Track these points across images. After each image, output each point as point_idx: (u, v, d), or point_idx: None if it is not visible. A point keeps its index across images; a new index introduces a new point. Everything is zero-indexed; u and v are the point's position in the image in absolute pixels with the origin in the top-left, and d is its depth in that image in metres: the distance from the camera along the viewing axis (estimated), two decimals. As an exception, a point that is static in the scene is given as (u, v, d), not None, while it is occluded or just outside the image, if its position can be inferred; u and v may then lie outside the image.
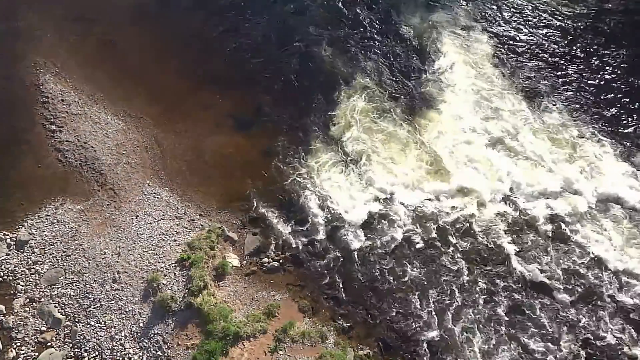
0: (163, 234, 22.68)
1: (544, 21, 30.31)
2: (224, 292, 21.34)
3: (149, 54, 29.16)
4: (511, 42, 29.61)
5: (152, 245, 22.30)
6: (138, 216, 23.12)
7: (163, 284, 21.12)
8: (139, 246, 22.23)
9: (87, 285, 21.11)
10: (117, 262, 21.70)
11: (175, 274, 21.53)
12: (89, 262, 21.67)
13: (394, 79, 28.40)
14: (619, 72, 27.76)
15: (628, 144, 25.00)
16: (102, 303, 20.72)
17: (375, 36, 30.50)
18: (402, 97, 27.52)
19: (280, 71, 28.73)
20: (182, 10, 31.34)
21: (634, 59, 28.19)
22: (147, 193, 23.94)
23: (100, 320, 20.35)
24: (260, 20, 31.14)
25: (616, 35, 29.32)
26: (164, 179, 24.62)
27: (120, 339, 19.90)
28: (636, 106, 26.22)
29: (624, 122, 25.73)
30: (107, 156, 24.82)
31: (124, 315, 20.49)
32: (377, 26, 30.99)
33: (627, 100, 26.50)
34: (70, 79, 27.74)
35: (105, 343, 19.81)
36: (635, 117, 25.81)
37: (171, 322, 20.32)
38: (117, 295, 20.92)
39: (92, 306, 20.66)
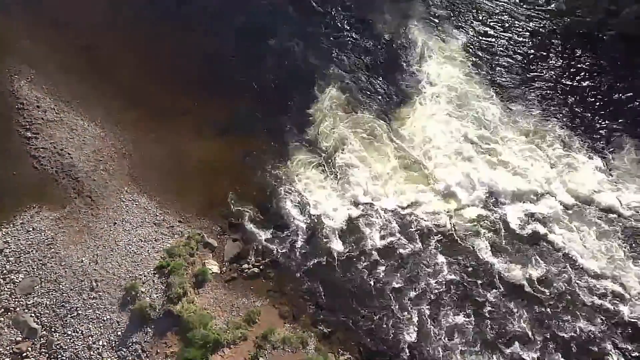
0: (142, 241, 22.47)
1: (517, 24, 30.76)
2: (204, 299, 21.20)
3: (127, 59, 28.90)
4: (485, 45, 29.98)
5: (130, 252, 22.07)
6: (116, 223, 22.87)
7: (142, 291, 20.91)
8: (117, 254, 21.98)
9: (64, 294, 20.78)
10: (95, 270, 21.42)
11: (154, 281, 21.33)
12: (65, 271, 21.34)
13: (369, 77, 28.65)
14: (590, 75, 28.35)
15: (600, 146, 25.51)
16: (79, 312, 20.42)
17: (350, 33, 30.72)
18: (379, 98, 27.78)
19: (256, 73, 28.73)
20: (158, 16, 31.11)
21: (604, 63, 28.82)
22: (125, 200, 23.70)
23: (77, 330, 20.06)
24: (234, 22, 31.02)
25: (587, 38, 29.97)
26: (143, 185, 24.39)
27: (98, 348, 19.63)
28: (608, 109, 26.79)
29: (596, 125, 26.27)
30: (84, 163, 24.50)
31: (101, 324, 20.22)
32: (351, 22, 31.20)
33: (599, 103, 27.07)
34: (46, 85, 27.36)
35: (82, 352, 19.52)
36: (606, 120, 26.37)
37: (150, 331, 20.13)
38: (95, 304, 20.64)
39: (69, 315, 20.35)
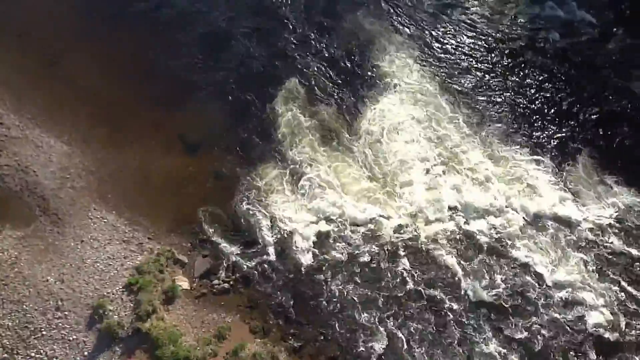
0: (110, 258, 22.19)
1: (483, 42, 32.00)
2: (174, 316, 21.06)
3: (95, 73, 28.60)
4: (448, 63, 30.94)
5: (98, 270, 21.75)
6: (83, 241, 22.54)
7: (110, 309, 20.61)
8: (84, 272, 21.63)
9: (27, 315, 20.28)
10: (61, 289, 21.01)
11: (122, 299, 21.08)
12: (29, 291, 20.85)
13: (336, 88, 29.14)
14: (554, 94, 29.63)
15: (557, 162, 26.57)
16: (44, 332, 19.96)
17: (315, 41, 31.36)
18: (346, 109, 28.28)
19: (225, 87, 28.81)
20: (126, 28, 30.89)
21: (568, 82, 30.18)
22: (92, 217, 23.40)
23: (41, 351, 19.61)
24: (202, 33, 31.18)
25: (552, 57, 31.35)
26: (111, 202, 24.15)
27: (63, 369, 19.23)
28: (565, 127, 28.00)
29: (554, 141, 27.41)
30: (50, 180, 24.12)
31: (67, 345, 19.82)
32: (316, 30, 31.85)
33: (556, 121, 28.26)
34: (10, 100, 26.86)
35: (46, 374, 19.08)
36: (563, 137, 27.58)
37: (118, 349, 19.86)
38: (60, 324, 20.22)
39: (33, 336, 19.85)
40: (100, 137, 26.31)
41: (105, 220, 23.38)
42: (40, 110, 26.86)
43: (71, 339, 19.92)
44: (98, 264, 21.92)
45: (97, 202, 23.99)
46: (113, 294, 21.17)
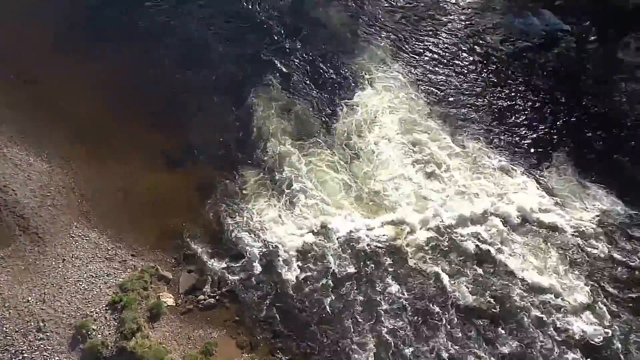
0: (93, 276, 21.83)
1: (464, 51, 32.55)
2: (159, 333, 20.74)
3: (73, 91, 28.48)
4: (429, 69, 31.44)
5: (80, 289, 21.37)
6: (65, 260, 22.16)
7: (93, 329, 20.22)
8: (66, 291, 21.23)
9: (8, 337, 19.79)
10: (42, 309, 20.58)
11: (106, 317, 20.71)
12: (9, 312, 20.37)
13: (319, 103, 29.37)
14: (533, 100, 30.11)
15: (540, 169, 26.92)
16: (25, 355, 19.49)
17: (290, 43, 32.00)
18: (327, 120, 28.53)
19: (205, 98, 29.01)
20: (111, 47, 30.95)
21: (546, 88, 30.73)
22: (74, 235, 23.05)
23: (23, 374, 19.15)
24: (179, 45, 31.51)
25: (530, 64, 31.99)
26: (93, 220, 23.85)
27: (46, 392, 18.79)
28: (547, 134, 28.44)
29: (536, 149, 27.78)
30: (30, 199, 23.74)
31: (49, 367, 19.39)
32: (290, 33, 32.46)
33: (539, 128, 28.70)
34: (-13, 120, 26.57)
35: (29, 398, 18.62)
36: (546, 144, 27.98)
37: (102, 370, 19.47)
38: (42, 345, 19.76)
39: (14, 359, 19.34)
40: (80, 154, 26.11)
41: (87, 238, 23.04)
42: (18, 128, 26.56)
43: (54, 360, 19.50)
44: (80, 283, 21.54)
45: (79, 219, 23.67)
46: (96, 313, 20.79)
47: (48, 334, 20.06)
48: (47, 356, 19.54)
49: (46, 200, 23.91)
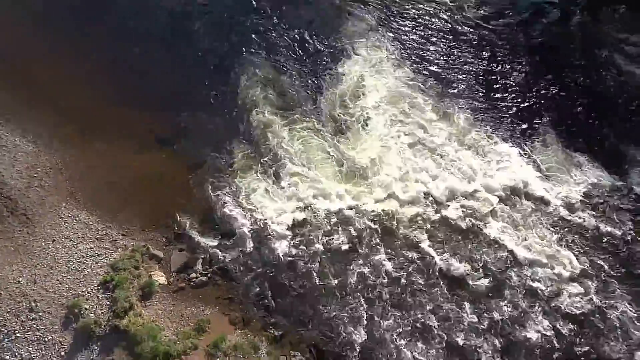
0: (83, 257, 21.80)
1: (444, 29, 32.22)
2: (152, 312, 20.83)
3: (60, 70, 28.07)
4: (417, 45, 31.23)
5: (71, 269, 21.35)
6: (55, 240, 22.09)
7: (85, 308, 20.27)
8: (57, 271, 21.21)
9: (0, 318, 19.79)
10: (34, 290, 20.57)
11: (98, 297, 20.75)
12: (0, 293, 20.33)
13: (304, 75, 29.28)
14: (519, 73, 30.03)
15: (527, 141, 26.99)
16: (18, 335, 19.53)
17: (277, 19, 31.75)
18: (315, 97, 28.34)
19: (195, 80, 28.74)
20: (92, 24, 30.46)
21: (533, 61, 30.66)
22: (63, 216, 22.94)
23: (16, 354, 19.20)
24: (164, 23, 31.18)
25: (517, 37, 31.83)
26: (82, 200, 23.72)
27: (40, 371, 18.89)
28: (533, 107, 28.46)
29: (523, 121, 27.81)
30: (17, 180, 23.52)
31: (42, 346, 19.44)
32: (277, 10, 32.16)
33: (525, 102, 28.69)
34: (-29, 101, 26.16)
35: (23, 377, 18.71)
36: (532, 117, 28.00)
37: (96, 348, 19.55)
38: (35, 325, 19.81)
39: (7, 339, 19.41)
40: (67, 135, 25.85)
41: (76, 219, 22.94)
42: (4, 110, 26.16)
43: (47, 339, 19.54)
44: (71, 263, 21.51)
45: (68, 200, 23.53)
46: (88, 293, 20.82)
47: (40, 314, 20.09)
48: (40, 336, 19.60)
49: (33, 182, 23.71)
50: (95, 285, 21.07)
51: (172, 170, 25.17)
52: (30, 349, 19.30)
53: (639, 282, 22.34)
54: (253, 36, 30.79)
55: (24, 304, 20.20)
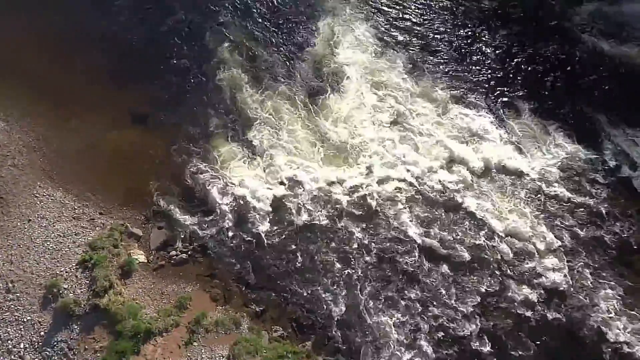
0: (61, 236, 21.52)
1: (420, 5, 32.10)
2: (132, 290, 20.78)
3: (32, 45, 27.19)
4: (394, 20, 31.08)
5: (48, 249, 21.09)
6: (31, 220, 21.75)
7: (64, 288, 20.12)
8: (34, 251, 20.94)
9: (-24, 299, 19.61)
10: (10, 270, 20.31)
11: (77, 276, 20.58)
12: (-24, 275, 20.11)
13: (284, 53, 29.08)
14: (496, 49, 30.06)
15: (502, 115, 27.17)
16: (-5, 316, 19.38)
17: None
18: (298, 80, 27.99)
19: (167, 52, 28.29)
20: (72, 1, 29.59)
21: (508, 34, 30.70)
22: (38, 195, 22.54)
23: (-5, 335, 19.06)
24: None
25: (491, 10, 31.88)
26: (57, 179, 23.30)
27: (19, 352, 18.76)
28: (507, 80, 28.59)
29: (498, 95, 27.97)
30: (-12, 160, 23.01)
31: (21, 326, 19.28)
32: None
33: (499, 75, 28.84)
34: (-63, 77, 25.26)
35: (1, 358, 18.56)
36: (507, 90, 28.14)
37: (76, 327, 19.44)
38: (13, 306, 19.62)
39: (-16, 321, 19.26)
40: (40, 112, 25.23)
41: (52, 198, 22.58)
42: (-29, 86, 25.37)
43: (25, 320, 19.40)
44: (48, 243, 21.24)
45: (43, 179, 23.11)
46: (67, 272, 20.63)
47: (18, 294, 19.90)
48: (18, 316, 19.44)
49: (6, 160, 23.20)
50: (74, 264, 20.87)
51: (149, 146, 24.84)
52: (9, 329, 19.15)
53: (613, 255, 22.85)
54: (227, 5, 30.42)
55: (1, 284, 19.97)
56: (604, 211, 23.92)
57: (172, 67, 27.68)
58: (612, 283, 22.05)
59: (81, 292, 20.24)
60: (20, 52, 26.96)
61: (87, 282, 20.52)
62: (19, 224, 21.61)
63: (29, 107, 25.33)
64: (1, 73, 26.11)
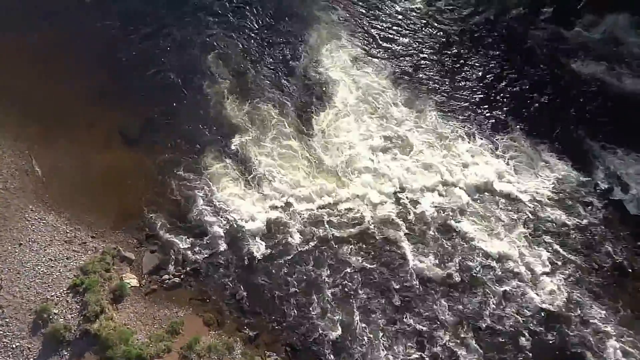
0: (52, 260, 21.31)
1: (418, 23, 32.64)
2: (124, 315, 20.53)
3: (22, 69, 27.24)
4: (388, 46, 31.46)
5: (39, 273, 20.85)
6: (22, 244, 21.54)
7: (55, 313, 19.85)
8: (25, 276, 20.69)
9: (-35, 325, 19.30)
10: (0, 295, 20.02)
11: (67, 301, 20.34)
12: (-35, 300, 19.81)
13: (274, 68, 29.49)
14: (487, 70, 30.52)
15: (496, 139, 27.40)
16: (-16, 342, 19.05)
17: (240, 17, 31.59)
18: (285, 96, 28.29)
19: (158, 77, 28.37)
20: (53, 20, 29.68)
21: (500, 58, 31.21)
22: (30, 219, 22.37)
23: (-17, 361, 18.73)
24: (121, 10, 30.86)
25: (485, 34, 32.36)
26: (49, 202, 23.16)
27: (8, 379, 18.46)
28: (500, 105, 28.94)
29: (491, 119, 28.26)
30: (-20, 183, 22.87)
31: (10, 353, 18.96)
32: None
33: (495, 96, 29.22)
34: None
35: (-10, 385, 18.28)
36: (500, 114, 28.48)
37: (66, 353, 19.16)
38: (1, 332, 19.31)
39: (-28, 347, 18.92)
40: (32, 135, 25.17)
41: (44, 221, 22.41)
42: (-36, 110, 25.34)
43: (14, 346, 19.08)
44: (39, 267, 21.02)
45: (34, 202, 22.96)
46: (57, 297, 20.38)
47: (7, 319, 19.59)
48: (7, 342, 19.12)
49: (-2, 184, 23.09)
50: (65, 289, 20.64)
51: (141, 170, 24.77)
52: (-3, 356, 18.86)
53: (607, 276, 22.94)
54: (218, 23, 30.89)
55: (-10, 310, 19.70)
56: (596, 234, 24.07)
57: (161, 84, 27.86)
58: (606, 305, 22.07)
59: (72, 317, 19.98)
60: (10, 76, 26.98)
61: (78, 306, 20.27)
62: (9, 247, 21.39)
63: (21, 129, 25.27)
64: (-4, 97, 26.11)
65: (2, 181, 23.19)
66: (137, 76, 28.12)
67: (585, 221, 24.50)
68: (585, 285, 22.64)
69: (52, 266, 21.21)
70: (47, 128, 25.47)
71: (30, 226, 22.18)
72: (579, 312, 21.92)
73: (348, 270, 22.60)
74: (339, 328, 21.04)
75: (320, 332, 20.93)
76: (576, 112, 28.63)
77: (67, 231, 22.35)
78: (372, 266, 22.77)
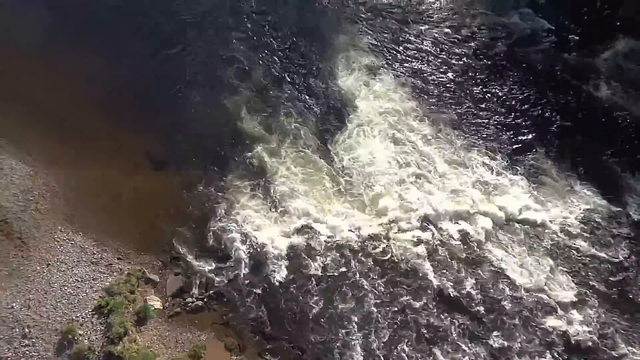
0: (78, 281, 21.62)
1: (447, 51, 32.71)
2: (147, 337, 20.61)
3: (57, 93, 28.04)
4: (414, 70, 31.60)
5: (66, 294, 21.14)
6: (50, 264, 21.91)
7: (79, 334, 20.04)
8: (52, 296, 21.00)
9: (-7, 344, 19.58)
10: (27, 315, 20.32)
11: (92, 322, 20.53)
12: (-7, 319, 20.16)
13: (299, 98, 29.56)
14: (516, 99, 30.35)
15: (523, 167, 27.14)
16: (10, 362, 19.28)
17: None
18: (311, 121, 28.46)
19: (187, 98, 28.93)
20: (89, 42, 30.57)
21: (530, 87, 30.99)
22: (59, 240, 22.79)
23: (9, 381, 18.92)
24: (151, 36, 31.49)
25: (514, 64, 32.27)
26: (78, 224, 23.57)
27: (32, 399, 18.59)
28: (533, 130, 28.73)
29: (518, 147, 28.04)
30: (13, 204, 23.38)
31: (35, 373, 19.19)
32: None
33: (525, 125, 29.01)
34: (-33, 124, 26.11)
35: (14, 405, 18.42)
36: (527, 142, 28.25)
37: (89, 374, 19.30)
38: (28, 352, 19.54)
39: (-1, 366, 19.16)
40: (64, 158, 25.75)
41: (72, 242, 22.80)
42: (0, 132, 26.11)
43: (39, 366, 19.29)
44: (66, 288, 21.32)
45: (63, 223, 23.39)
46: (82, 318, 20.60)
47: (34, 340, 19.84)
48: (32, 362, 19.35)
49: (29, 205, 23.58)
50: (90, 310, 20.87)
51: (168, 193, 25.10)
52: (23, 376, 19.05)
53: (635, 309, 22.30)
54: (243, 50, 31.18)
55: (17, 329, 19.94)
56: (627, 265, 23.42)
57: (191, 114, 28.28)
58: (637, 342, 21.34)
59: (96, 338, 20.15)
60: (45, 98, 27.69)
61: (103, 328, 20.44)
62: (38, 267, 21.78)
63: (53, 152, 25.90)
64: (28, 120, 26.84)
65: (34, 202, 23.73)
66: (164, 97, 28.78)
67: (615, 252, 23.94)
68: (616, 318, 22.02)
69: (79, 287, 21.49)
70: (79, 151, 26.09)
71: (58, 247, 22.58)
72: (609, 344, 21.33)
73: (370, 294, 22.39)
74: (362, 356, 20.76)
75: (342, 358, 20.72)
76: (603, 139, 28.33)
77: (94, 252, 22.68)
78: (394, 291, 22.55)
